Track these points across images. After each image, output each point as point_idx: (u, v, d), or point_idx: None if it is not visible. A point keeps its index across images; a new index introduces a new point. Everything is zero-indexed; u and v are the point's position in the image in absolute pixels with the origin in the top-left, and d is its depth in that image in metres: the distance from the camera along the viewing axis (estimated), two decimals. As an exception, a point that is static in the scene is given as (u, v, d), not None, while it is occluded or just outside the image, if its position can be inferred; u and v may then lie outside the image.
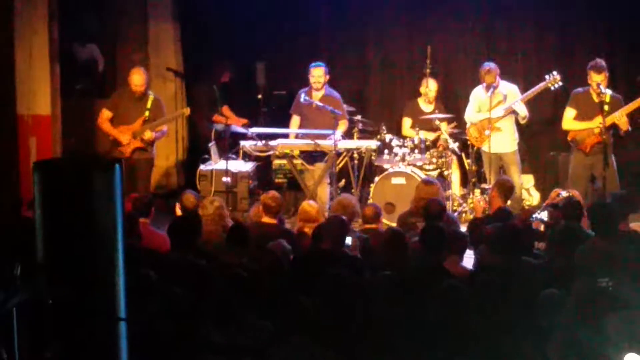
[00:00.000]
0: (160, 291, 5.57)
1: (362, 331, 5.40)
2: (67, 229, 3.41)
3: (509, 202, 8.57)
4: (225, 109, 11.07)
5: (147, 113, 9.87)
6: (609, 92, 9.37)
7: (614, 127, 9.38)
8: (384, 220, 9.30)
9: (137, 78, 9.87)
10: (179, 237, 6.68)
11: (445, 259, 6.68)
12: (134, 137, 9.79)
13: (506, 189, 8.51)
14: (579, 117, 9.55)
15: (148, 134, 9.78)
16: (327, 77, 10.35)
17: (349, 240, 6.95)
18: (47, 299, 3.47)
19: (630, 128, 9.40)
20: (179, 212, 8.09)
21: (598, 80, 9.30)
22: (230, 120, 10.48)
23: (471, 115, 10.29)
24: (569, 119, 9.63)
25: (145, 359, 4.45)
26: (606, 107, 9.29)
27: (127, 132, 9.80)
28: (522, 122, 10.13)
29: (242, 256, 6.62)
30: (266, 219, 7.78)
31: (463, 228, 8.31)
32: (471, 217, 9.81)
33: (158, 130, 9.92)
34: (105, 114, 9.94)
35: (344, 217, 7.11)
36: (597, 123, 9.29)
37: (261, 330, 5.32)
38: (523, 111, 9.98)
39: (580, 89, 9.63)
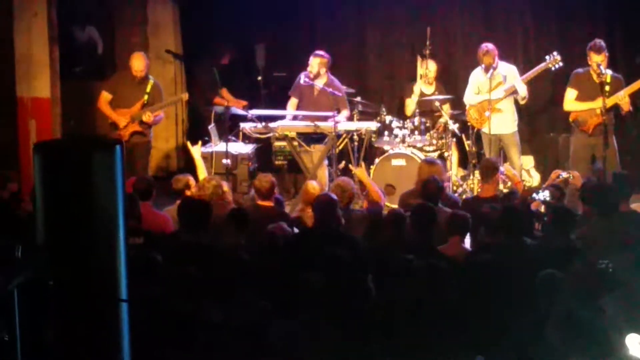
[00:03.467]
0: (164, 272, 5.60)
1: (361, 310, 5.42)
2: (68, 209, 3.41)
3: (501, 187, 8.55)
4: (224, 92, 11.05)
5: (146, 97, 9.87)
6: (609, 72, 9.36)
7: (615, 107, 9.38)
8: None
9: (137, 63, 9.86)
10: (191, 218, 6.67)
11: (443, 240, 6.70)
12: (132, 120, 9.79)
13: (483, 170, 8.45)
14: (580, 97, 9.54)
15: (147, 116, 9.77)
16: (329, 64, 10.30)
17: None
18: (48, 280, 3.47)
19: (631, 108, 9.40)
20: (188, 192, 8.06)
21: (598, 61, 9.30)
22: (230, 103, 10.46)
23: (470, 97, 10.27)
24: (571, 100, 9.62)
25: (144, 337, 4.46)
26: (607, 88, 9.29)
27: (126, 115, 9.80)
28: (522, 102, 10.13)
29: (241, 237, 6.64)
30: (261, 202, 7.74)
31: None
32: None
33: (156, 115, 9.91)
34: (105, 96, 9.94)
35: (333, 196, 7.08)
36: (599, 104, 9.29)
37: (260, 310, 5.33)
38: (523, 91, 9.98)
39: (580, 70, 9.62)
